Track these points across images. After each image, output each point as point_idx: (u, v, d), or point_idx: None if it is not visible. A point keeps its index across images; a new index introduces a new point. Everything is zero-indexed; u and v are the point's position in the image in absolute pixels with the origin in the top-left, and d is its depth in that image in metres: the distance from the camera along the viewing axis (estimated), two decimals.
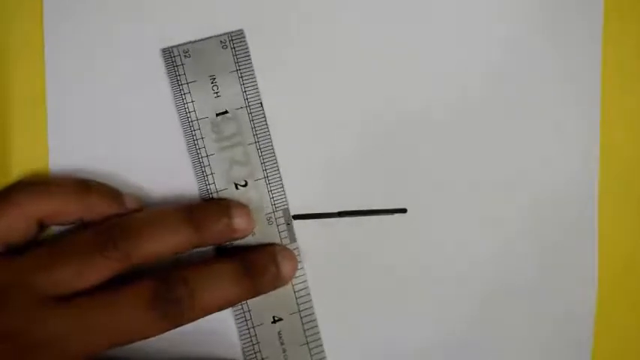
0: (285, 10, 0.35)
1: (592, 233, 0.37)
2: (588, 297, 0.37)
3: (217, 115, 0.35)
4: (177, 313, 0.33)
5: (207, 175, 0.35)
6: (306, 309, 0.36)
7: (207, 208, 0.35)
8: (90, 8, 0.35)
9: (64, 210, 0.34)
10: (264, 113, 0.35)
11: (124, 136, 0.35)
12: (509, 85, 0.36)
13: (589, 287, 0.37)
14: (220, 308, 0.34)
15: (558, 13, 0.36)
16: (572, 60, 0.37)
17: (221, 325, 0.36)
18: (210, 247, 0.36)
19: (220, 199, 0.35)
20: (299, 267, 0.36)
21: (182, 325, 0.33)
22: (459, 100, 0.36)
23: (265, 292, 0.35)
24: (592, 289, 0.37)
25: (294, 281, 0.36)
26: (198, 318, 0.33)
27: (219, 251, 0.36)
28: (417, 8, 0.36)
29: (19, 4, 0.35)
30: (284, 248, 0.36)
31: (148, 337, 0.33)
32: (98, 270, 0.32)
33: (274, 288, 0.35)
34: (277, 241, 0.36)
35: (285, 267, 0.35)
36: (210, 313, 0.34)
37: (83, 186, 0.34)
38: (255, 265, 0.34)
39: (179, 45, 0.35)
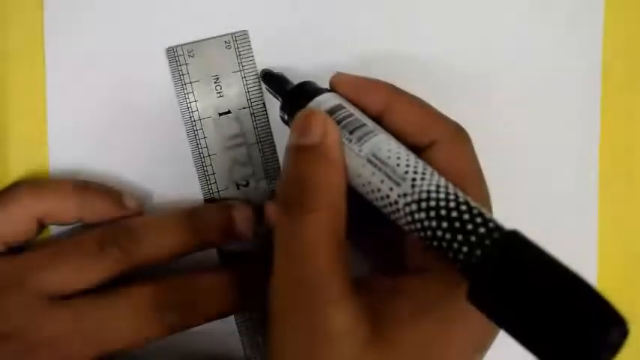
0: (288, 12, 0.35)
1: (592, 232, 0.37)
2: None
3: (220, 115, 0.35)
4: (178, 319, 0.33)
5: (208, 175, 0.35)
6: None
7: (208, 210, 0.35)
8: (92, 7, 0.35)
9: (64, 208, 0.34)
10: (266, 114, 0.35)
11: (125, 135, 0.35)
12: (509, 86, 0.37)
13: None
14: (221, 316, 0.34)
15: (559, 13, 0.37)
16: (572, 60, 0.37)
17: (221, 325, 0.35)
18: (212, 250, 0.36)
19: (222, 201, 0.35)
20: None
21: (182, 330, 0.33)
22: (459, 100, 0.36)
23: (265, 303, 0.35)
24: None
25: None
26: (199, 325, 0.33)
27: (221, 253, 0.36)
28: (421, 9, 0.36)
29: (19, 4, 0.34)
30: None
31: (148, 341, 0.33)
32: (98, 270, 0.32)
33: None
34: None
35: None
36: (212, 320, 0.34)
37: (82, 186, 0.34)
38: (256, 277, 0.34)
39: (183, 44, 0.35)
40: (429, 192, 0.27)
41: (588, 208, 0.37)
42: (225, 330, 0.36)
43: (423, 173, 0.28)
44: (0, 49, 0.34)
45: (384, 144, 0.29)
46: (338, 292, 0.28)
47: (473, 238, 0.26)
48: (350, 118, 0.30)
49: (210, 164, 0.35)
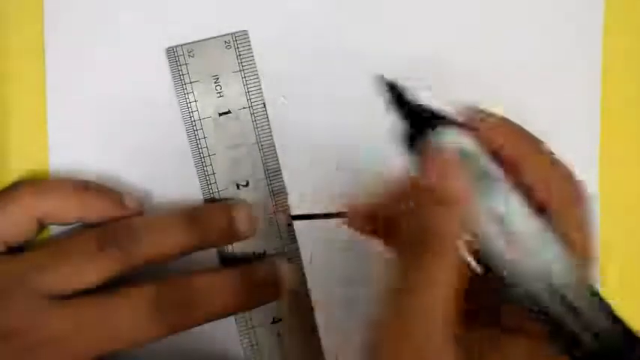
0: (289, 12, 0.35)
1: None
2: None
3: (220, 115, 0.35)
4: (179, 319, 0.33)
5: (208, 175, 0.35)
6: (306, 310, 0.36)
7: (209, 210, 0.35)
8: (92, 8, 0.35)
9: (64, 208, 0.34)
10: (266, 114, 0.35)
11: (125, 135, 0.35)
12: (508, 86, 0.37)
13: None
14: (221, 316, 0.34)
15: (559, 13, 0.37)
16: (572, 60, 0.37)
17: (221, 325, 0.35)
18: (212, 250, 0.36)
19: (222, 201, 0.35)
20: (299, 269, 0.36)
21: (182, 331, 0.33)
22: (459, 99, 0.36)
23: (265, 304, 0.35)
24: None
25: (294, 282, 0.36)
26: (199, 324, 0.33)
27: (221, 254, 0.36)
28: (420, 8, 0.36)
29: (19, 4, 0.34)
30: (284, 262, 0.36)
31: (148, 341, 0.33)
32: (98, 270, 0.32)
33: (273, 300, 0.35)
34: (277, 242, 0.36)
35: (284, 281, 0.35)
36: (212, 320, 0.34)
37: (82, 186, 0.34)
38: (257, 277, 0.34)
39: (183, 44, 0.35)
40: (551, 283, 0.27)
41: None
42: (225, 330, 0.36)
43: (556, 257, 0.27)
44: (0, 49, 0.34)
45: (514, 209, 0.28)
46: (446, 354, 0.26)
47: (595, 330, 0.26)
48: (481, 166, 0.28)
49: (210, 164, 0.35)
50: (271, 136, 0.36)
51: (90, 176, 0.35)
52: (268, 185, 0.36)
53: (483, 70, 0.37)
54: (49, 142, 0.35)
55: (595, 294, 0.26)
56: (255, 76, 0.35)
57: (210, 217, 0.34)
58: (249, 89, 0.35)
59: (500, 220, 0.27)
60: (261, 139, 0.35)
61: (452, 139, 0.29)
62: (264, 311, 0.36)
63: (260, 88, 0.35)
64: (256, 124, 0.35)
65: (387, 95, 0.31)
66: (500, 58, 0.37)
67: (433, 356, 0.26)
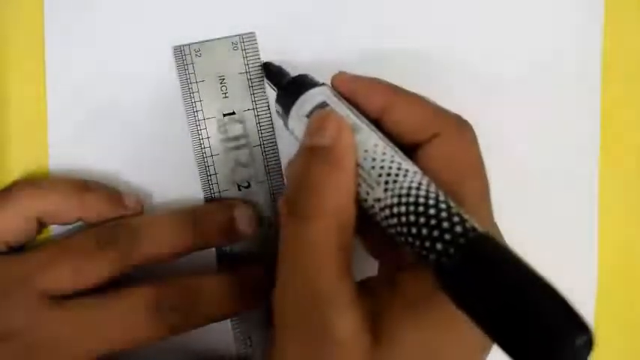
0: (296, 14, 0.36)
1: (592, 232, 0.38)
2: (588, 296, 0.38)
3: (224, 115, 0.35)
4: (178, 321, 0.32)
5: (210, 175, 0.35)
6: None
7: (209, 209, 0.35)
8: (97, 5, 0.35)
9: (63, 208, 0.33)
10: (270, 116, 0.36)
11: (127, 135, 0.35)
12: (508, 87, 0.37)
13: (589, 286, 0.38)
14: (221, 319, 0.34)
15: (559, 13, 0.37)
16: (573, 60, 0.37)
17: (215, 327, 0.35)
18: (211, 252, 0.36)
19: (223, 200, 0.35)
20: None
21: (182, 332, 0.33)
22: (457, 99, 0.37)
23: (263, 306, 0.35)
24: (592, 288, 0.38)
25: None
26: (199, 327, 0.33)
27: (220, 255, 0.36)
28: (423, 11, 0.37)
29: (20, 4, 0.34)
30: None
31: (148, 342, 0.32)
32: (98, 269, 0.32)
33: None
34: (277, 244, 0.36)
35: None
36: (212, 322, 0.34)
37: (82, 185, 0.34)
38: (256, 280, 0.34)
39: (191, 44, 0.35)
40: (399, 196, 0.27)
41: (588, 209, 0.38)
42: (220, 332, 0.36)
43: (397, 175, 0.27)
44: (0, 49, 0.34)
45: (362, 145, 0.29)
46: (344, 301, 0.27)
47: (447, 237, 0.25)
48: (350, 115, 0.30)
49: (212, 165, 0.35)
50: (274, 138, 0.36)
51: (90, 176, 0.35)
52: (269, 187, 0.36)
53: (481, 70, 0.37)
54: (49, 142, 0.35)
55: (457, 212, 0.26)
56: (260, 79, 0.35)
57: (210, 216, 0.34)
58: (255, 91, 0.35)
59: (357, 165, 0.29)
60: (264, 142, 0.36)
61: (311, 97, 0.31)
62: (261, 313, 0.36)
63: (265, 91, 0.35)
64: (260, 126, 0.35)
65: (265, 73, 0.35)
66: (498, 59, 0.37)
67: (326, 290, 0.27)
